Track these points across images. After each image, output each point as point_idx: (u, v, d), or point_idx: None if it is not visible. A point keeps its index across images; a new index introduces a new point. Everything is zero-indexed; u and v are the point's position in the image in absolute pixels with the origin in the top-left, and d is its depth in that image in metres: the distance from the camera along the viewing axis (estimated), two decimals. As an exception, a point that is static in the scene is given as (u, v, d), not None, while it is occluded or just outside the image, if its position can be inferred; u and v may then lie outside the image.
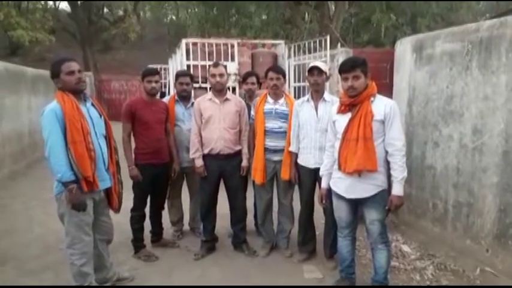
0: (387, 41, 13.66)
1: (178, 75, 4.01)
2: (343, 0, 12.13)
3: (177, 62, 6.49)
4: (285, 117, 3.50)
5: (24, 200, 5.49)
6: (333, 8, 13.38)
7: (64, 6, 29.37)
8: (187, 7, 16.75)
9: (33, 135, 8.12)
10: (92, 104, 2.86)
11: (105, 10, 28.13)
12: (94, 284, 2.89)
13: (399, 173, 2.62)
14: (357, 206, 2.83)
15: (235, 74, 5.95)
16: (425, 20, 12.20)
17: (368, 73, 2.73)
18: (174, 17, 33.89)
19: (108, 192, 2.90)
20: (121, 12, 27.80)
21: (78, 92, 2.73)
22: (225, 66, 3.56)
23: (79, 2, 24.47)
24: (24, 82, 7.91)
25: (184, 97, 3.95)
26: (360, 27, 15.10)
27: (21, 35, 19.33)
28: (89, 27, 25.45)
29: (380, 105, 2.67)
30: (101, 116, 2.89)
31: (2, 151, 6.45)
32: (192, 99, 4.00)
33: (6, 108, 6.75)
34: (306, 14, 13.07)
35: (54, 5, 29.69)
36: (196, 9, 15.15)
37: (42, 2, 27.93)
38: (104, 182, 2.80)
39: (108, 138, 2.93)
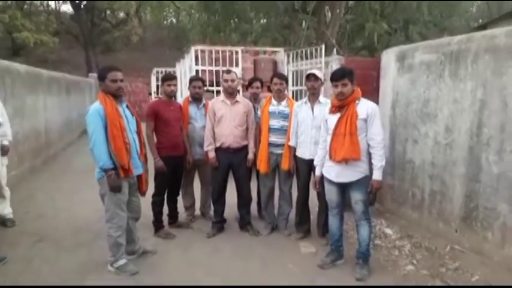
0: (381, 47, 14.30)
1: (192, 79, 4.58)
2: (341, 0, 12.67)
3: (186, 66, 7.09)
4: (286, 116, 4.12)
5: (48, 191, 6.05)
6: (329, 15, 14.01)
7: (66, 8, 29.93)
8: (189, 12, 17.31)
9: (48, 134, 8.68)
10: (127, 106, 3.45)
11: (108, 12, 28.65)
12: (125, 255, 3.48)
13: (378, 161, 3.24)
14: (344, 189, 3.43)
15: (239, 78, 6.54)
16: (417, 27, 12.82)
17: (354, 80, 3.33)
18: (174, 20, 34.46)
19: (138, 178, 3.49)
20: (122, 15, 28.39)
21: (116, 96, 3.31)
22: (236, 73, 4.16)
23: (82, 5, 25.04)
24: (41, 83, 8.47)
25: (196, 99, 4.51)
26: (355, 32, 15.73)
27: (26, 37, 19.93)
28: (92, 30, 26.02)
29: (363, 107, 3.28)
30: (133, 116, 3.48)
31: (22, 147, 6.98)
32: (204, 101, 4.58)
33: (27, 107, 7.30)
34: (304, 22, 13.67)
35: (56, 7, 30.22)
36: (198, 14, 15.74)
37: (45, 4, 28.50)
38: (137, 169, 3.40)
39: (139, 133, 3.52)
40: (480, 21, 20.71)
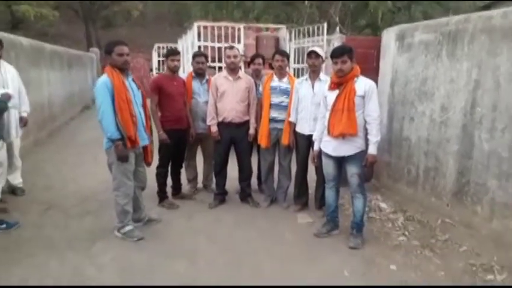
0: (384, 26, 14.18)
1: (195, 55, 4.68)
2: None
3: (188, 42, 7.15)
4: (287, 93, 4.24)
5: (54, 163, 6.22)
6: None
7: (66, -19, 29.34)
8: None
9: (51, 108, 8.80)
10: (132, 80, 3.57)
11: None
12: (131, 222, 3.66)
13: (374, 137, 3.38)
14: (340, 163, 3.59)
15: (241, 55, 6.62)
16: (419, 6, 12.73)
17: (353, 58, 3.43)
18: (175, -5, 33.91)
19: (144, 149, 3.64)
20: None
21: (123, 70, 3.42)
22: (238, 50, 4.25)
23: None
24: (44, 58, 8.53)
25: (199, 74, 4.61)
26: (359, 10, 15.59)
27: (26, 10, 19.73)
28: (92, 3, 25.70)
29: (361, 84, 3.40)
30: (138, 89, 3.60)
31: (29, 120, 7.11)
32: (207, 76, 4.68)
33: (31, 80, 7.38)
34: (306, -1, 13.57)
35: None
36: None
37: (44, -23, 27.98)
38: (143, 140, 3.55)
39: (144, 107, 3.65)
40: (486, 1, 20.43)
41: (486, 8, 14.14)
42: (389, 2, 12.29)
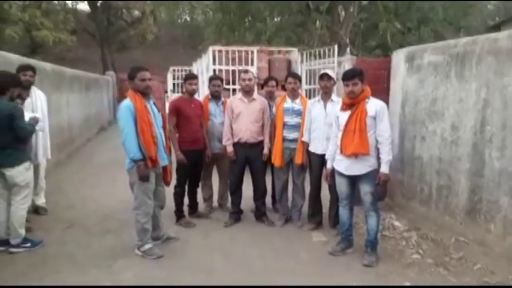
0: (394, 46, 14.34)
1: (212, 78, 4.88)
2: (354, 0, 12.80)
3: (203, 65, 7.40)
4: (300, 113, 4.39)
5: (73, 183, 6.42)
6: (343, 13, 14.15)
7: (83, 6, 30.47)
8: (204, 11, 17.65)
9: (71, 130, 9.09)
10: (153, 103, 3.75)
11: (123, 11, 29.13)
12: (150, 240, 3.78)
13: (386, 156, 3.49)
14: (354, 181, 3.69)
15: (254, 77, 6.81)
16: (428, 28, 12.90)
17: (364, 80, 3.58)
18: (188, 19, 34.85)
19: (164, 169, 3.80)
20: (137, 12, 28.88)
21: (145, 94, 3.62)
22: (252, 73, 4.44)
23: (98, 3, 25.56)
24: (64, 81, 8.88)
25: (216, 96, 4.79)
26: (369, 31, 15.82)
27: (45, 36, 20.47)
28: (108, 28, 26.57)
29: (373, 105, 3.53)
30: (159, 112, 3.78)
31: (50, 142, 7.37)
32: (222, 98, 4.86)
33: (52, 103, 7.66)
34: (318, 21, 13.85)
35: (72, 5, 30.75)
36: (212, 13, 16.02)
37: (62, 3, 29.08)
38: (163, 160, 3.71)
39: (164, 128, 3.82)
40: (497, 19, 20.55)
41: (496, 27, 14.26)
42: (398, 23, 12.47)
